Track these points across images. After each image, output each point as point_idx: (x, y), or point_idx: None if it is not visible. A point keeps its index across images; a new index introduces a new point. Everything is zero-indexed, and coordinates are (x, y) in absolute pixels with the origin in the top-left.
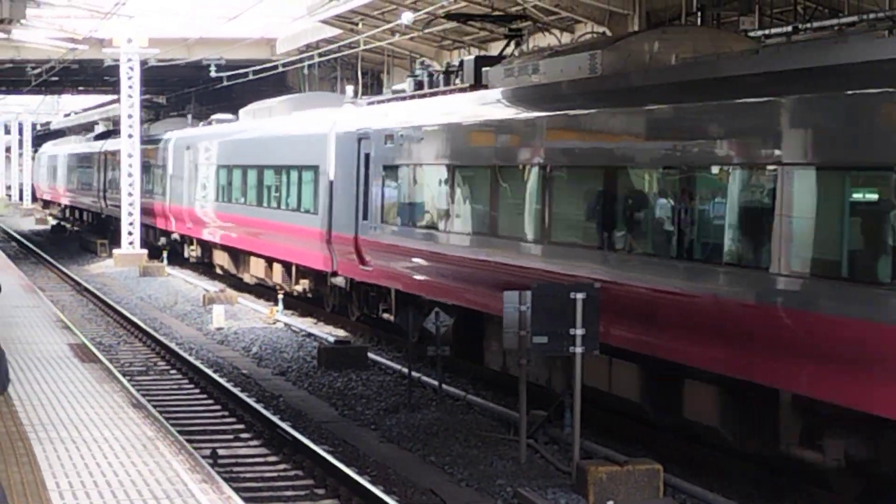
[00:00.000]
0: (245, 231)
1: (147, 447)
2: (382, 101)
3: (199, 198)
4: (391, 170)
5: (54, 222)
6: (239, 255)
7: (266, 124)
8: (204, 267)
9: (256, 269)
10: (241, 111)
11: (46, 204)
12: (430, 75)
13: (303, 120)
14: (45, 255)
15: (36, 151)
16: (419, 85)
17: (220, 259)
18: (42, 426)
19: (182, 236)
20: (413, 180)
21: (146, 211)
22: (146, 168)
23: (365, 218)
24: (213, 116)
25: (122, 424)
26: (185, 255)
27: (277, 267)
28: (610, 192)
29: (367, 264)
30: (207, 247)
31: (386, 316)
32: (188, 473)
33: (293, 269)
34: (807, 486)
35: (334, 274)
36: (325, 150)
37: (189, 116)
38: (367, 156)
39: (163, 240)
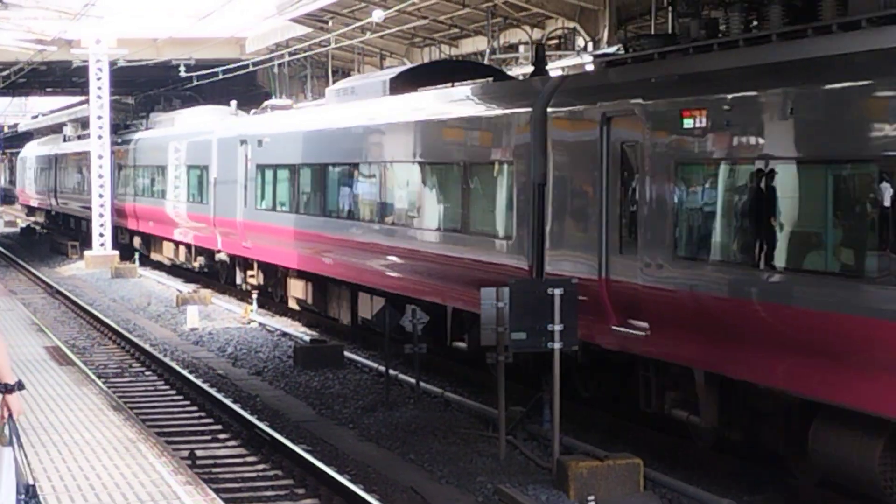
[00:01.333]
0: (357, 258)
1: (129, 449)
2: (670, 50)
3: (265, 208)
4: (728, 166)
5: (24, 224)
6: (330, 287)
7: (393, 105)
8: (264, 297)
9: (370, 310)
10: (329, 90)
11: (31, 210)
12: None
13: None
14: (14, 258)
15: (3, 153)
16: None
17: (298, 290)
18: (23, 430)
19: (233, 258)
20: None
21: (169, 223)
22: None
23: (624, 251)
24: (268, 103)
25: (102, 427)
26: (238, 282)
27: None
28: None
29: (634, 326)
30: (273, 272)
31: (694, 420)
32: (172, 475)
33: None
34: (785, 477)
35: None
36: (529, 139)
37: (234, 104)
38: (626, 148)
39: (200, 260)
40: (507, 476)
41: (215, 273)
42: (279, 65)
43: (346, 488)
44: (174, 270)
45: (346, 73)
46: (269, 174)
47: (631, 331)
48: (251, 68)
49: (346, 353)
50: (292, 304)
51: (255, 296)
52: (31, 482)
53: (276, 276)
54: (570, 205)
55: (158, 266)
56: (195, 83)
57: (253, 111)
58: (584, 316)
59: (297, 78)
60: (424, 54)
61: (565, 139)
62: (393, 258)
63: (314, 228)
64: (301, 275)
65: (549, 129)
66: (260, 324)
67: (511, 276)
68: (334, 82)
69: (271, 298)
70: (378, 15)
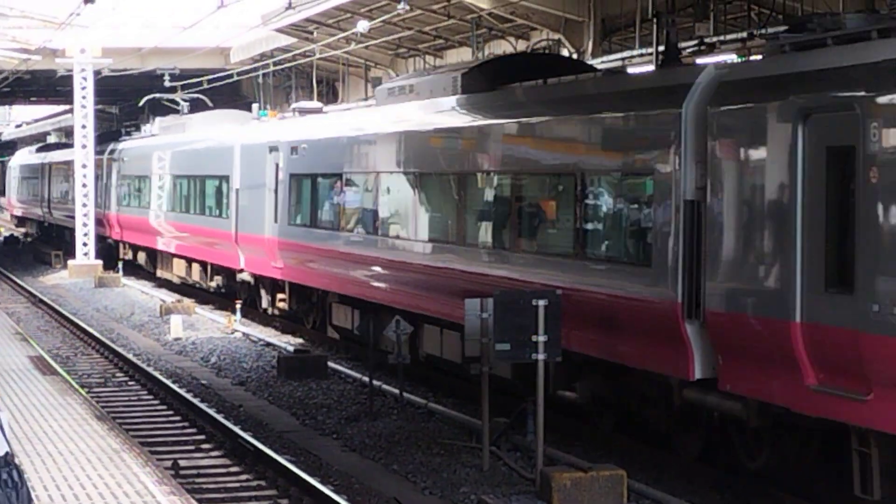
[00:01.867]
0: (423, 285)
1: (113, 459)
2: None
3: (302, 224)
4: None
5: (7, 234)
6: (383, 316)
7: (473, 105)
8: (288, 322)
9: (439, 346)
10: (379, 89)
11: (21, 221)
12: None
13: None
14: None
15: None
16: None
17: (341, 318)
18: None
19: (258, 278)
20: None
21: (180, 238)
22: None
23: (832, 288)
24: (295, 105)
25: (86, 437)
26: (265, 305)
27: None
28: None
29: (848, 387)
30: (307, 296)
31: None
32: (156, 486)
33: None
34: (769, 489)
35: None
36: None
37: (255, 108)
38: (835, 152)
39: (217, 279)
40: (490, 487)
41: (233, 294)
42: (264, 75)
43: (329, 498)
44: (156, 279)
45: (330, 84)
46: (306, 185)
47: (842, 392)
48: (235, 78)
49: (330, 364)
50: (332, 334)
51: (238, 305)
52: (6, 450)
53: (310, 301)
54: (742, 226)
55: (140, 276)
56: (179, 93)
57: (280, 115)
58: (763, 367)
59: (281, 88)
60: (409, 65)
61: (737, 144)
62: (473, 286)
63: (367, 249)
64: (344, 300)
65: (709, 131)
66: (243, 334)
67: (651, 312)
68: (319, 92)
69: (302, 324)
70: (363, 26)
